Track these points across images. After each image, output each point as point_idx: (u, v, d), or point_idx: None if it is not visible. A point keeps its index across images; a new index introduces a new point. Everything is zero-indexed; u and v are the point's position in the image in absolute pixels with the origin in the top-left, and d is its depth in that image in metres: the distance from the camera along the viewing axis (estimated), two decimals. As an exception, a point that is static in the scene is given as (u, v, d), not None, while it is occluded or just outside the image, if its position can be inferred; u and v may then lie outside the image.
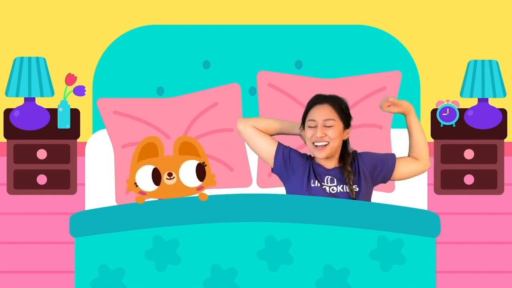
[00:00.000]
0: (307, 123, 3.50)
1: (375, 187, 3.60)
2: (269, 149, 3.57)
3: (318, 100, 3.53)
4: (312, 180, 3.49)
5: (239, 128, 3.60)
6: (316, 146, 3.48)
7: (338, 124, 3.49)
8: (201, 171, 3.37)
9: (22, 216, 4.19)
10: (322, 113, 3.49)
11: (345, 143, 3.54)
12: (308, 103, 3.55)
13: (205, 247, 3.15)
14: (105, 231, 3.20)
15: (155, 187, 3.33)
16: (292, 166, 3.53)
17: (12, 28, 4.24)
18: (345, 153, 3.54)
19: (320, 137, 3.46)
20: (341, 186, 3.48)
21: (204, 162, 3.39)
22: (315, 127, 3.47)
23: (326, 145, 3.47)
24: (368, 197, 3.52)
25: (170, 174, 3.34)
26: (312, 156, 3.55)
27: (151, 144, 3.37)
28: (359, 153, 3.56)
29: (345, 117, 3.52)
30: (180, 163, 3.36)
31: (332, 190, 3.47)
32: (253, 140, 3.60)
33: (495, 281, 4.21)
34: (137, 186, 3.34)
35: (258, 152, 3.60)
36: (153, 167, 3.33)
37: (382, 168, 3.53)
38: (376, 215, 3.20)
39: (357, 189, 3.48)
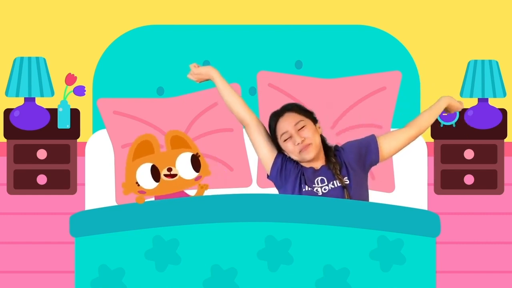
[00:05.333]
0: (282, 138, 3.48)
1: (375, 186, 3.59)
2: (269, 155, 3.53)
3: (276, 115, 3.52)
4: (302, 185, 3.48)
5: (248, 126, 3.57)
6: (302, 150, 3.46)
7: (308, 122, 3.49)
8: (196, 162, 3.38)
9: (22, 216, 4.19)
10: (289, 121, 3.48)
11: (323, 139, 3.54)
12: (269, 124, 3.53)
13: (205, 247, 3.15)
14: (105, 231, 3.20)
15: (156, 183, 3.33)
16: (286, 175, 3.51)
17: (12, 28, 4.24)
18: (326, 148, 3.53)
19: (301, 141, 3.45)
20: (332, 182, 3.47)
21: (197, 153, 3.39)
22: (291, 137, 3.46)
23: (310, 144, 3.46)
24: (362, 187, 3.49)
25: (169, 169, 3.34)
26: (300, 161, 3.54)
27: (146, 142, 3.37)
28: (341, 146, 3.55)
29: (308, 113, 3.52)
30: (175, 156, 3.37)
31: (324, 190, 3.47)
32: (254, 136, 3.55)
33: (495, 281, 4.21)
34: (139, 185, 3.34)
35: (259, 152, 3.56)
36: (151, 164, 3.34)
37: (367, 152, 3.51)
38: (376, 215, 3.20)
39: (347, 182, 3.47)
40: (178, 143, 3.41)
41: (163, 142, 3.59)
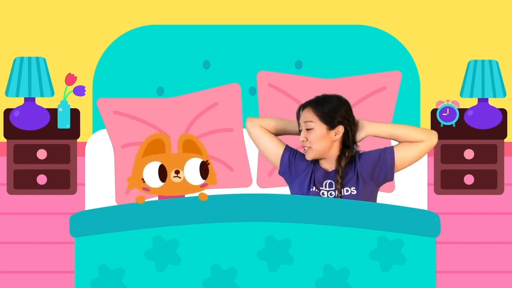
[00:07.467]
0: (299, 126, 3.55)
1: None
2: (276, 151, 3.57)
3: (303, 105, 3.55)
4: (310, 185, 3.49)
5: (247, 127, 3.62)
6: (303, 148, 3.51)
7: (319, 126, 3.47)
8: (204, 170, 3.38)
9: (22, 216, 4.19)
10: (304, 116, 3.51)
11: (345, 144, 3.52)
12: (298, 108, 3.57)
13: (205, 247, 3.15)
14: (105, 231, 3.20)
15: (161, 183, 3.33)
16: (296, 170, 3.52)
17: (12, 28, 4.24)
18: (342, 156, 3.50)
19: (301, 141, 3.49)
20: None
21: (207, 161, 3.40)
22: (301, 130, 3.51)
23: (309, 148, 3.48)
24: (369, 199, 3.48)
25: (177, 172, 3.34)
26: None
27: (158, 141, 3.38)
28: (360, 154, 3.54)
29: (327, 118, 3.47)
30: (185, 160, 3.37)
31: (330, 194, 3.46)
32: (260, 140, 3.61)
33: (495, 281, 4.21)
34: (144, 182, 3.34)
35: (265, 153, 3.60)
36: (160, 163, 3.34)
37: (382, 167, 3.49)
38: (376, 215, 3.20)
39: (355, 192, 3.46)
40: (190, 147, 3.41)
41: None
